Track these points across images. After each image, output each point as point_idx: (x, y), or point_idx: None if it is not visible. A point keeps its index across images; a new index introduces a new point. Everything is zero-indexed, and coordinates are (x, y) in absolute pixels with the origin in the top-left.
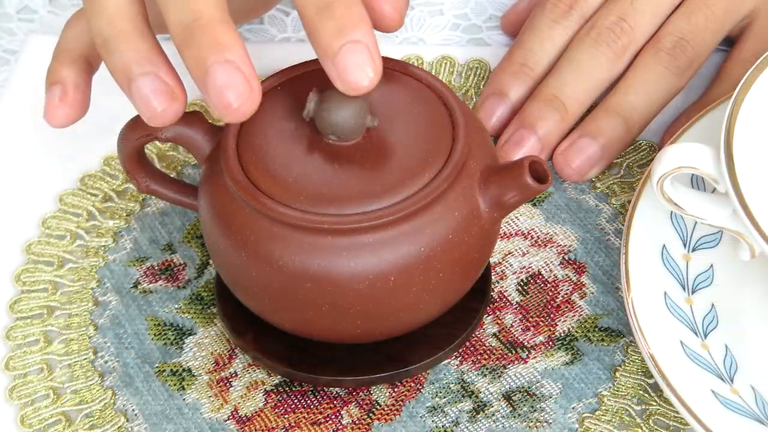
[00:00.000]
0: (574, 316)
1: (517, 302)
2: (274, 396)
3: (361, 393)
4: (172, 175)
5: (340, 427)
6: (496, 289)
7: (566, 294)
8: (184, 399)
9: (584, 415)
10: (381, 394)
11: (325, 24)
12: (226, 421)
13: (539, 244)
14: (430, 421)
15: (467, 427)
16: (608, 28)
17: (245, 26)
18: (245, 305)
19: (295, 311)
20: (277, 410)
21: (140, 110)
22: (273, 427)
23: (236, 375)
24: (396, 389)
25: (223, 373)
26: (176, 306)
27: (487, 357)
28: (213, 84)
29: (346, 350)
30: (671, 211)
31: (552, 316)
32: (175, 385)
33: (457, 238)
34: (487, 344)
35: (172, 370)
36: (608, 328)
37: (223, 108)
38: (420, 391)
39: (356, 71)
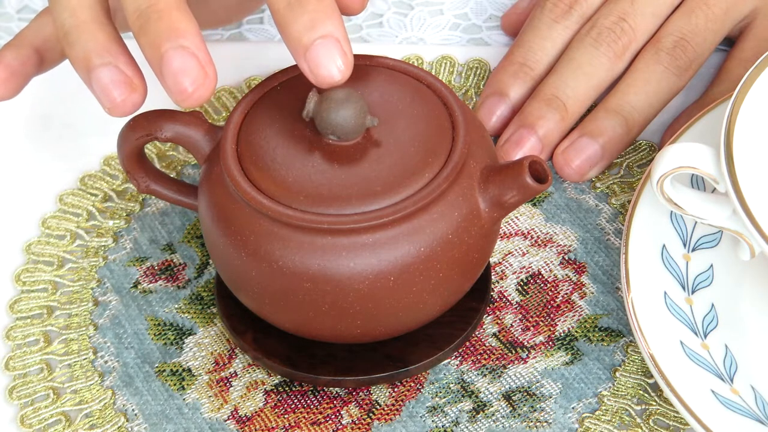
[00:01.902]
0: (574, 316)
1: (517, 302)
2: (274, 396)
3: (361, 393)
4: (172, 175)
5: (340, 427)
6: (496, 289)
7: (566, 294)
8: (184, 399)
9: (584, 415)
10: (381, 394)
11: (297, 18)
12: (226, 421)
13: (539, 244)
14: (430, 421)
15: (467, 427)
16: (608, 28)
17: (245, 26)
18: (245, 305)
19: (295, 311)
20: (277, 410)
21: (100, 100)
22: (273, 427)
23: (236, 375)
24: (396, 389)
25: (223, 373)
26: (176, 306)
27: (487, 357)
28: (168, 69)
29: (346, 350)
30: (671, 211)
31: (552, 316)
32: (175, 385)
33: (456, 238)
34: (487, 344)
35: (172, 370)
36: (608, 328)
37: (179, 93)
38: (420, 391)
39: (328, 65)
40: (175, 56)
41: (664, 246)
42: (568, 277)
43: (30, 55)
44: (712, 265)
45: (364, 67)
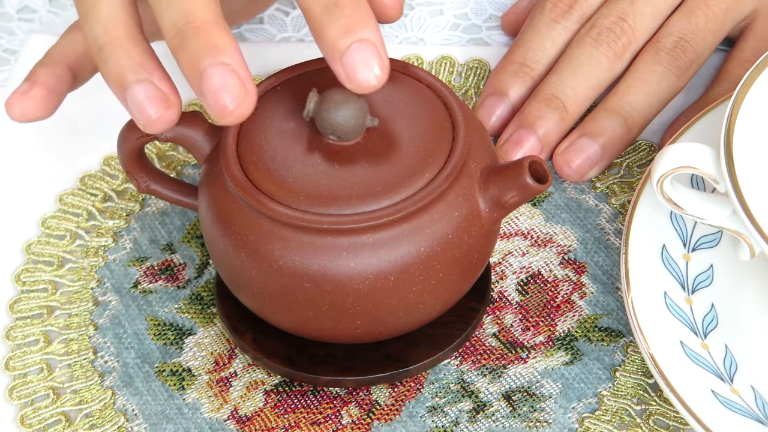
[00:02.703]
0: (574, 316)
1: (517, 302)
2: (273, 396)
3: (360, 393)
4: (172, 175)
5: (339, 427)
6: (496, 289)
7: (566, 294)
8: (184, 399)
9: (584, 415)
10: (381, 394)
11: (333, 23)
12: (226, 421)
13: (539, 244)
14: (430, 421)
15: (467, 427)
16: (608, 28)
17: (245, 26)
18: (245, 305)
19: (295, 311)
20: (276, 410)
21: (135, 117)
22: (273, 427)
23: (236, 375)
24: (396, 389)
25: (223, 373)
26: (176, 306)
27: (487, 357)
28: (208, 87)
29: (346, 350)
30: (671, 211)
31: (552, 316)
32: (175, 385)
33: (457, 238)
34: (486, 344)
35: (172, 370)
36: (608, 328)
37: (219, 111)
38: (420, 391)
39: (364, 70)
40: (215, 73)
41: (664, 246)
42: (568, 277)
43: (64, 73)
44: (712, 265)
45: None
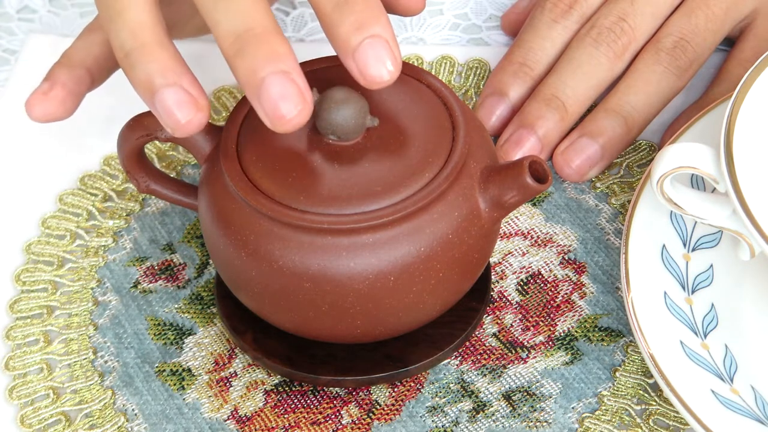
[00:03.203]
0: (574, 315)
1: (517, 302)
2: (273, 396)
3: (360, 393)
4: (172, 175)
5: (339, 427)
6: (496, 289)
7: (566, 294)
8: (184, 399)
9: (584, 415)
10: (381, 394)
11: (344, 19)
12: (226, 420)
13: (539, 244)
14: (430, 421)
15: (467, 427)
16: (608, 28)
17: None
18: (245, 305)
19: (295, 311)
20: (276, 410)
21: (165, 122)
22: (273, 427)
23: (236, 375)
24: (396, 389)
25: (222, 373)
26: (176, 306)
27: (486, 357)
28: (267, 95)
29: (346, 350)
30: (671, 211)
31: (552, 316)
32: (175, 384)
33: (456, 238)
34: (486, 344)
35: (172, 369)
36: (608, 328)
37: (276, 119)
38: (420, 391)
39: (377, 65)
40: (276, 82)
41: (664, 246)
42: (568, 277)
43: (83, 75)
44: (712, 265)
45: None
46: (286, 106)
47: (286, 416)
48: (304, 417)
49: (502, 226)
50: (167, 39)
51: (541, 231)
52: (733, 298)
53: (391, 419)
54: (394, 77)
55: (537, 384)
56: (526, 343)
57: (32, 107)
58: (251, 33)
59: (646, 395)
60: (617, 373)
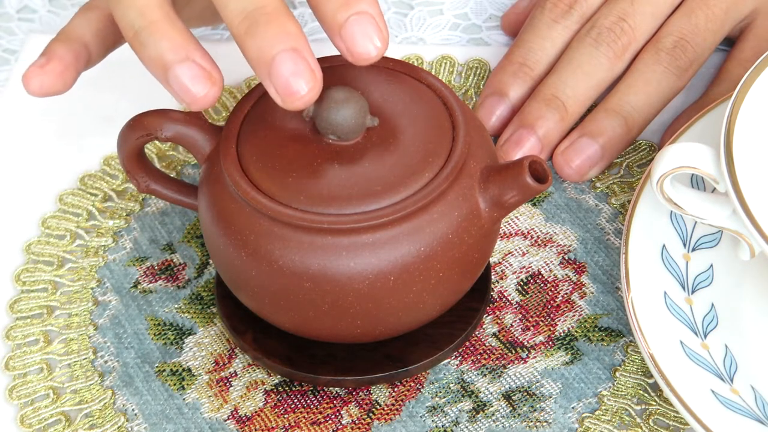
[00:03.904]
0: (574, 315)
1: (517, 302)
2: (273, 396)
3: (360, 393)
4: (172, 175)
5: (339, 427)
6: (496, 289)
7: (566, 294)
8: (184, 399)
9: (584, 415)
10: (381, 393)
11: None
12: (225, 420)
13: (539, 244)
14: (430, 420)
15: (467, 427)
16: (608, 28)
17: None
18: (245, 305)
19: (295, 311)
20: (276, 410)
21: (180, 97)
22: (273, 427)
23: (236, 375)
24: (396, 389)
25: (222, 373)
26: (176, 306)
27: (486, 357)
28: (278, 73)
29: (346, 350)
30: (671, 211)
31: (552, 315)
32: (175, 384)
33: (456, 237)
34: (486, 344)
35: (172, 369)
36: (608, 328)
37: (288, 96)
38: (420, 391)
39: (364, 42)
40: (287, 59)
41: (664, 246)
42: (568, 277)
43: (80, 50)
44: (712, 265)
45: (365, 66)
46: (298, 82)
47: (286, 416)
48: (304, 417)
49: (502, 226)
50: (175, 15)
51: (541, 231)
52: (733, 298)
53: (391, 419)
54: (382, 53)
55: (537, 384)
56: (526, 343)
57: (29, 80)
58: (261, 12)
59: (646, 395)
60: (617, 373)
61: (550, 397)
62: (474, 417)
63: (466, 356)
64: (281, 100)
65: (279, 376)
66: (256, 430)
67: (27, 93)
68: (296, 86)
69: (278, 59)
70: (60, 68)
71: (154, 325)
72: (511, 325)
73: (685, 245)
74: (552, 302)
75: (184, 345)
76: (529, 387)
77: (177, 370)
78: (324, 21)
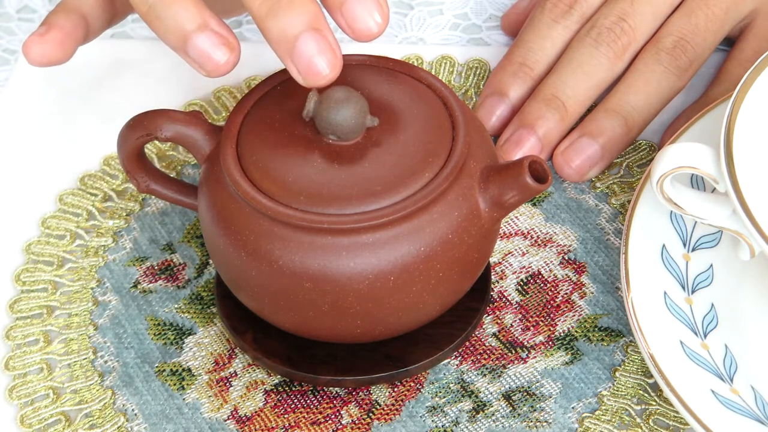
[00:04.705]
0: (574, 315)
1: (516, 302)
2: (273, 396)
3: (360, 393)
4: (172, 175)
5: (339, 427)
6: (495, 289)
7: (566, 294)
8: (183, 399)
9: (584, 415)
10: (381, 393)
11: None
12: (225, 420)
13: (539, 244)
14: (430, 420)
15: (467, 427)
16: (608, 28)
17: (245, 26)
18: (245, 305)
19: (295, 311)
20: (276, 410)
21: (200, 66)
22: (273, 427)
23: (236, 375)
24: (396, 389)
25: (222, 373)
26: (176, 306)
27: (486, 357)
28: (301, 52)
29: (346, 350)
30: (671, 211)
31: (552, 315)
32: (174, 384)
33: (456, 237)
34: (486, 344)
35: (171, 369)
36: (608, 328)
37: (312, 75)
38: (420, 391)
39: (365, 18)
40: (310, 39)
41: (663, 246)
42: (568, 277)
43: (80, 20)
44: (711, 265)
45: (364, 67)
46: (321, 62)
47: (286, 416)
48: (304, 417)
49: (502, 226)
50: None
51: (541, 231)
52: (733, 298)
53: (391, 419)
54: (383, 29)
55: (537, 384)
56: (526, 343)
57: (29, 49)
58: None
59: (646, 395)
60: (617, 373)
61: (550, 397)
62: (474, 417)
63: (466, 356)
64: (303, 79)
65: (279, 376)
66: (256, 430)
67: (28, 63)
68: (320, 66)
69: (301, 39)
70: (60, 37)
71: (154, 325)
72: (511, 325)
73: (685, 245)
74: (552, 302)
75: (184, 345)
76: (529, 387)
77: (177, 370)
78: (324, 0)
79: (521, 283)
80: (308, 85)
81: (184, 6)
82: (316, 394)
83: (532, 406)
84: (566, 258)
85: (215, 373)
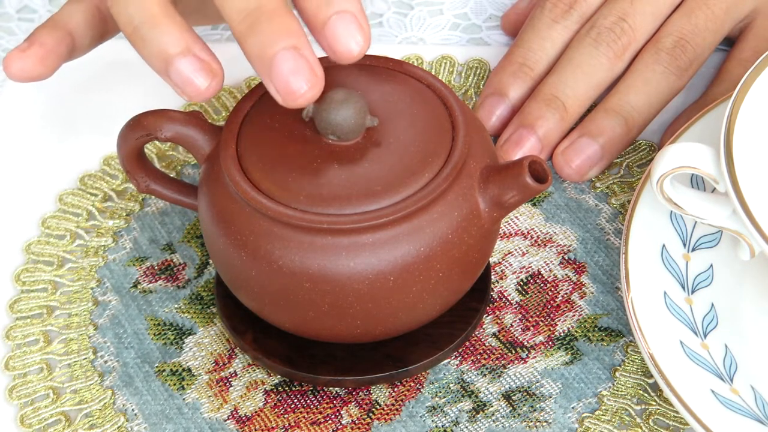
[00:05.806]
0: (574, 315)
1: (516, 302)
2: (273, 396)
3: (360, 393)
4: (172, 175)
5: (339, 427)
6: (495, 289)
7: (566, 294)
8: (183, 399)
9: (584, 415)
10: (381, 393)
11: None
12: (225, 420)
13: (539, 244)
14: (430, 420)
15: (467, 427)
16: (608, 28)
17: None
18: (245, 305)
19: (295, 311)
20: (276, 410)
21: (182, 91)
22: (273, 427)
23: (236, 375)
24: (396, 389)
25: (222, 373)
26: (176, 306)
27: (486, 357)
28: (279, 70)
29: (346, 350)
30: (671, 211)
31: (552, 315)
32: (174, 384)
33: (456, 237)
34: (486, 344)
35: (171, 369)
36: (608, 328)
37: (288, 95)
38: (420, 391)
39: (346, 40)
40: (288, 57)
41: (663, 246)
42: (568, 277)
43: (64, 36)
44: (711, 265)
45: (364, 67)
46: (298, 81)
47: (286, 416)
48: (304, 417)
49: (502, 226)
50: (174, 10)
51: (541, 231)
52: (733, 298)
53: (391, 419)
54: (364, 51)
55: (537, 384)
56: (526, 343)
57: (10, 64)
58: (261, 10)
59: (646, 395)
60: (617, 373)
61: (550, 397)
62: (474, 417)
63: (466, 356)
64: (281, 98)
65: (279, 376)
66: (256, 430)
67: (7, 77)
68: (296, 85)
69: (278, 57)
70: (42, 53)
71: (154, 325)
72: (511, 325)
73: (685, 245)
74: (552, 302)
75: (184, 345)
76: (529, 387)
77: (177, 370)
78: (307, 19)
79: (521, 283)
80: (287, 105)
81: (168, 30)
82: (316, 394)
83: (532, 406)
84: (566, 258)
85: (215, 373)
